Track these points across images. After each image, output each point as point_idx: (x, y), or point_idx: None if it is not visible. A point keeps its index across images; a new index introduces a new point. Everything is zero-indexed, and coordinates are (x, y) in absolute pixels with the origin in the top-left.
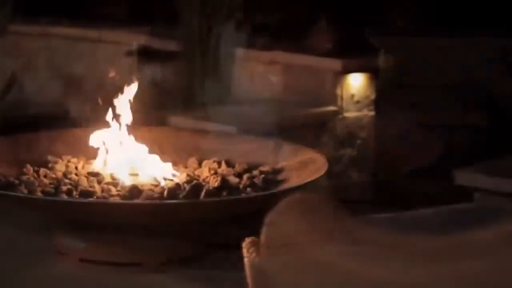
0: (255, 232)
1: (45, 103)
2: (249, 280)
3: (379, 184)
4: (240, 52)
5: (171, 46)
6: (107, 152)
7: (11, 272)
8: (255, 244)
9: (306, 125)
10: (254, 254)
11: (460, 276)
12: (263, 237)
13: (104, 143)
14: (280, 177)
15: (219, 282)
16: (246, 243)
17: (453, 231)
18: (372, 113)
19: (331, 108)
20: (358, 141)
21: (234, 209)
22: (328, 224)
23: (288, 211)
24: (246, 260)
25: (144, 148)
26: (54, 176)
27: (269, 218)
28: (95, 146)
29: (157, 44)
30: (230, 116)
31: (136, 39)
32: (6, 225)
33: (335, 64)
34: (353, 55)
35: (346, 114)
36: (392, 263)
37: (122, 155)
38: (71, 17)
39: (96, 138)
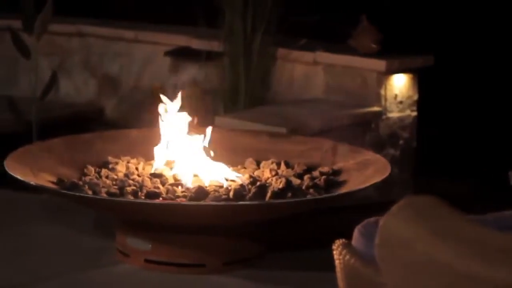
0: (315, 232)
1: (80, 103)
2: (340, 281)
3: (420, 184)
4: (282, 52)
5: (211, 46)
6: (167, 153)
7: (74, 273)
8: (347, 246)
9: (350, 126)
10: (347, 256)
11: None
12: (377, 239)
13: (165, 144)
14: (341, 178)
15: (282, 282)
16: (337, 245)
17: None
18: (414, 113)
19: (375, 108)
20: (401, 141)
21: (301, 210)
22: (442, 225)
23: (402, 214)
24: (337, 262)
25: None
26: (115, 177)
27: (383, 220)
28: (157, 147)
29: (196, 44)
30: (275, 117)
31: (174, 39)
32: (60, 225)
33: (379, 64)
34: (396, 55)
35: (389, 115)
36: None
37: (183, 156)
38: (107, 17)
39: (157, 139)
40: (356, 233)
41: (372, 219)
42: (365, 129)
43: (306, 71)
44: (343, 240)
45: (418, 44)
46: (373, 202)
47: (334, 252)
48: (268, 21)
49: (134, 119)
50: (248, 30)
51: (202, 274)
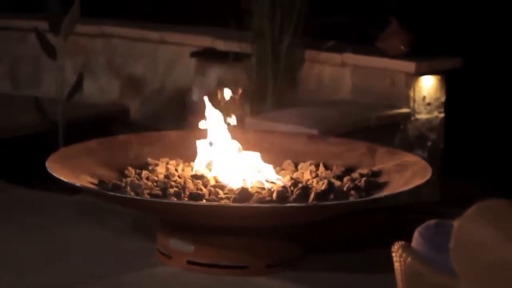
0: (355, 234)
1: (105, 104)
2: (400, 283)
3: (447, 184)
4: (309, 54)
5: (237, 47)
6: (208, 154)
7: (115, 275)
8: (407, 249)
9: (378, 127)
10: (409, 259)
11: None
12: (452, 242)
13: (207, 146)
14: (381, 179)
15: (325, 284)
16: (397, 248)
17: None
18: (442, 115)
19: (404, 110)
20: (429, 143)
21: (345, 211)
22: None
23: (478, 217)
24: (397, 264)
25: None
26: (156, 178)
27: (457, 223)
28: (198, 149)
29: (222, 45)
30: (304, 118)
31: (199, 41)
32: (98, 227)
33: (409, 66)
34: (425, 57)
35: (418, 116)
36: None
37: (221, 157)
38: (132, 18)
39: (194, 141)
40: (416, 235)
41: (432, 221)
42: (394, 131)
43: (334, 72)
44: (403, 242)
45: (445, 46)
46: (404, 204)
47: (394, 254)
48: (296, 23)
49: (159, 120)
50: (276, 31)
51: (245, 276)
